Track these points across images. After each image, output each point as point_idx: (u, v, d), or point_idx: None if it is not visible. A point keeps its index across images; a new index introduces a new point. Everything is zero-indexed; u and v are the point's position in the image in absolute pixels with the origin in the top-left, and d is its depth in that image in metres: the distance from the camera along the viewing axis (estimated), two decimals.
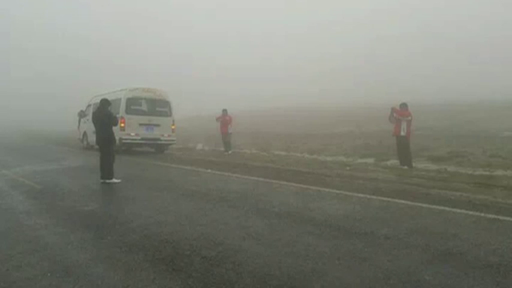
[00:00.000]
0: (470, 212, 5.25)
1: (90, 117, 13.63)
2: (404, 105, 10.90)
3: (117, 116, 12.37)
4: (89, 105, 16.96)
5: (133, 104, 14.48)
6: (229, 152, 15.63)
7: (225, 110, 15.98)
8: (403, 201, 5.94)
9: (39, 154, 15.44)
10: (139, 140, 14.39)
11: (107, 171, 7.94)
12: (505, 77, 62.95)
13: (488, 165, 9.99)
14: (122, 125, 13.68)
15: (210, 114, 27.30)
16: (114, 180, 7.89)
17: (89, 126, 15.11)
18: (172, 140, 15.46)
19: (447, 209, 5.45)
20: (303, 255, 3.62)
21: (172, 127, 15.27)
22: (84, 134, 17.36)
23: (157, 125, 14.73)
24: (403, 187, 7.27)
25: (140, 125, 14.32)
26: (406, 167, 10.33)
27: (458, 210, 5.35)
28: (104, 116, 8.21)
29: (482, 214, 5.16)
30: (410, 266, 3.35)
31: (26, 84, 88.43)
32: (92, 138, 13.87)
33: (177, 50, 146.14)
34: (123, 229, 4.56)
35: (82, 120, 17.84)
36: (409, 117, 10.73)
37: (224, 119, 15.82)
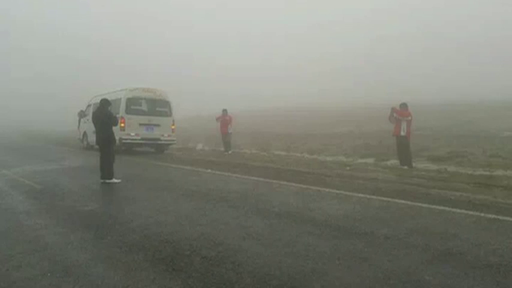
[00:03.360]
0: (470, 212, 5.25)
1: (90, 117, 13.62)
2: (404, 105, 10.90)
3: (117, 116, 12.38)
4: (89, 105, 16.96)
5: (133, 104, 14.48)
6: (229, 152, 15.64)
7: (225, 110, 15.98)
8: (403, 201, 5.94)
9: (39, 154, 15.44)
10: (140, 140, 14.39)
11: (107, 171, 7.94)
12: (505, 77, 63.07)
13: (488, 165, 9.99)
14: (122, 125, 13.69)
15: (210, 114, 27.30)
16: (114, 180, 7.90)
17: (89, 126, 15.11)
18: (172, 140, 15.46)
19: (447, 209, 5.45)
20: (303, 255, 3.62)
21: (172, 127, 15.27)
22: (84, 134, 17.36)
23: (158, 125, 14.74)
24: (403, 187, 7.26)
25: (140, 125, 14.33)
26: (406, 167, 10.33)
27: (458, 210, 5.35)
28: (104, 116, 8.21)
29: (482, 214, 5.15)
30: (410, 266, 3.35)
31: (26, 84, 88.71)
32: (92, 138, 13.87)
33: (177, 50, 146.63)
34: (123, 229, 4.56)
35: (82, 120, 17.84)
36: (409, 117, 10.73)
37: (224, 119, 15.83)
